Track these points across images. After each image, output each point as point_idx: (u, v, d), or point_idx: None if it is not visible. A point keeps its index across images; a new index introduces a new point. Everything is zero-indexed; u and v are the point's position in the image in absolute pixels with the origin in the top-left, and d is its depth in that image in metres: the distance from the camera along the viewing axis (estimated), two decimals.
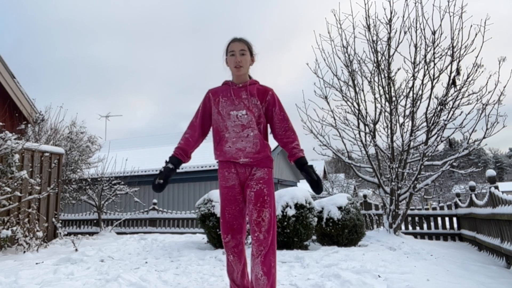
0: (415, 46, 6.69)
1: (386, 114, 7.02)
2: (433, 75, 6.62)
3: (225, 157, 2.40)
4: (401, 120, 6.99)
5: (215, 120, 2.45)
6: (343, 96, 7.23)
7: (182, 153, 2.47)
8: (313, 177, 2.30)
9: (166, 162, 2.42)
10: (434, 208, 7.92)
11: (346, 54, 7.18)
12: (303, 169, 2.33)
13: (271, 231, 2.30)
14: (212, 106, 2.46)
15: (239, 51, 2.40)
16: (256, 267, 2.27)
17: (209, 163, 12.72)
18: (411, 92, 6.79)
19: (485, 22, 6.17)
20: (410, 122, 6.89)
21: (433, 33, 6.54)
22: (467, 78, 6.41)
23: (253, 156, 2.36)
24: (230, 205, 2.39)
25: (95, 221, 10.43)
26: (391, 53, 6.83)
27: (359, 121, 7.18)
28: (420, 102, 6.82)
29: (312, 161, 32.82)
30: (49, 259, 4.49)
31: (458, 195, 8.22)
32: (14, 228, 5.15)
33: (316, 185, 2.31)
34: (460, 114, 6.49)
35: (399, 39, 6.74)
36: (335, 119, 7.30)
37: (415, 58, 6.72)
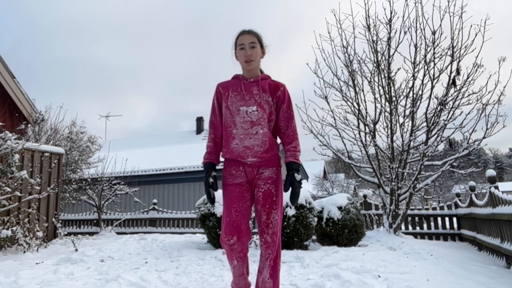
0: (415, 46, 6.69)
1: (386, 114, 7.02)
2: (433, 75, 6.62)
3: (232, 155, 2.31)
4: (401, 120, 7.00)
5: (224, 115, 2.35)
6: (343, 96, 7.23)
7: (216, 158, 2.39)
8: (286, 187, 2.23)
9: (207, 172, 2.33)
10: (434, 208, 7.92)
11: (346, 54, 7.19)
12: (287, 174, 2.26)
13: (278, 233, 2.28)
14: (222, 100, 2.38)
15: (249, 44, 2.29)
16: (265, 270, 2.25)
17: None
18: (411, 92, 6.80)
19: (485, 22, 6.18)
20: (410, 122, 6.89)
21: (433, 33, 6.54)
22: (467, 78, 6.41)
23: (261, 155, 2.28)
24: (238, 202, 2.26)
25: (95, 221, 10.44)
26: (391, 53, 6.84)
27: (359, 121, 7.18)
28: (420, 102, 6.82)
29: (312, 161, 32.84)
30: (49, 259, 4.48)
31: (458, 195, 8.22)
32: (14, 228, 5.14)
33: (292, 195, 2.22)
34: (460, 114, 6.50)
35: (399, 39, 6.75)
36: (335, 119, 7.31)
37: (415, 58, 6.73)
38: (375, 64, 6.97)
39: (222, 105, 2.36)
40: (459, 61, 6.42)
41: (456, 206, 7.57)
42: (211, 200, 2.33)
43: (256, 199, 2.30)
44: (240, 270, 2.32)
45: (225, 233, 2.23)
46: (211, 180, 2.29)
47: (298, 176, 2.22)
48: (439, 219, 7.79)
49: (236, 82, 2.37)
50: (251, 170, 2.31)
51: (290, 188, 2.23)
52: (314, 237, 6.24)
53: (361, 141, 7.18)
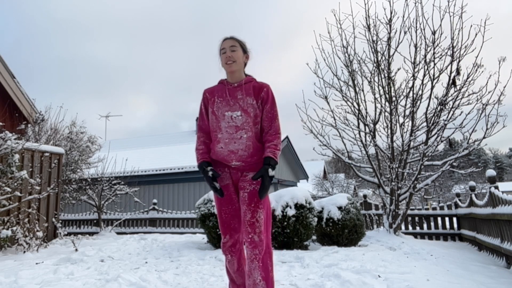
0: (415, 46, 6.69)
1: (386, 114, 7.02)
2: (433, 75, 6.62)
3: (218, 158, 2.39)
4: (401, 120, 7.00)
5: (210, 119, 2.43)
6: (343, 96, 7.23)
7: (210, 157, 2.41)
8: (256, 177, 2.21)
9: (204, 168, 2.34)
10: (434, 208, 7.92)
11: (346, 54, 7.19)
12: (262, 168, 2.24)
13: (265, 232, 2.27)
14: (208, 105, 2.44)
15: (230, 48, 2.37)
16: (255, 272, 2.21)
17: None
18: (411, 92, 6.80)
19: (485, 22, 6.18)
20: (410, 122, 6.89)
21: (433, 33, 6.54)
22: (467, 78, 6.41)
23: (245, 160, 2.32)
24: (226, 205, 2.38)
25: (95, 221, 10.44)
26: (391, 53, 6.84)
27: (359, 121, 7.18)
28: (420, 102, 6.83)
29: (312, 161, 32.85)
30: (49, 259, 4.49)
31: (458, 195, 8.22)
32: (14, 228, 5.15)
33: (260, 188, 2.23)
34: (460, 114, 6.50)
35: (399, 39, 6.75)
36: (335, 119, 7.31)
37: (415, 58, 6.73)
38: (375, 64, 6.97)
39: (209, 110, 2.43)
40: (459, 61, 6.42)
41: (456, 206, 7.57)
42: (220, 192, 2.32)
43: (241, 200, 2.32)
44: (234, 266, 2.40)
45: (221, 232, 2.43)
46: (210, 173, 2.31)
47: (271, 172, 2.24)
48: (439, 219, 7.79)
49: (221, 88, 2.44)
50: (235, 172, 2.38)
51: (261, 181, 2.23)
52: (314, 237, 6.24)
53: (361, 141, 7.18)
